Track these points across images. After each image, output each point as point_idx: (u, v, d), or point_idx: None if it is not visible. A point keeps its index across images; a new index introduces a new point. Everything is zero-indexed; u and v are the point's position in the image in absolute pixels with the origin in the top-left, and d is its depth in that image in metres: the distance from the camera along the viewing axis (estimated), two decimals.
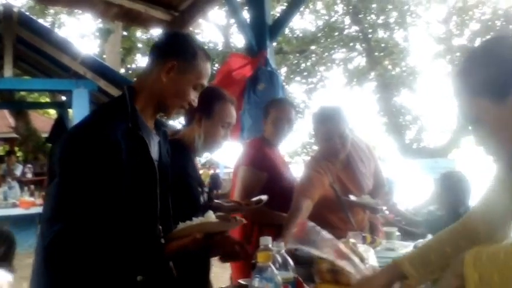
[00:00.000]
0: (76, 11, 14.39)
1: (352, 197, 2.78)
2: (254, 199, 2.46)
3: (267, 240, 1.82)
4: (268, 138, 3.25)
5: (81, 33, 16.84)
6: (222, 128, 2.36)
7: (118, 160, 1.61)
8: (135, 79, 2.81)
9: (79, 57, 7.92)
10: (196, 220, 1.82)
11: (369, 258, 1.88)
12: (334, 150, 2.86)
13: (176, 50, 1.83)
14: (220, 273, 4.29)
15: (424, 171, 12.90)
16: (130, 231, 1.65)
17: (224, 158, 14.36)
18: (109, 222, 1.58)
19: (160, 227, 1.79)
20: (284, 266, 1.81)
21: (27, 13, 10.35)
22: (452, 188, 3.36)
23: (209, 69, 1.91)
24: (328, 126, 2.83)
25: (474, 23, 16.53)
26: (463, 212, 3.18)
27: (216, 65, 13.16)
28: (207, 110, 2.32)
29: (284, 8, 7.49)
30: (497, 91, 1.28)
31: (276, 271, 1.63)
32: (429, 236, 2.26)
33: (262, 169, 3.10)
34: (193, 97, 1.86)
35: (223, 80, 4.20)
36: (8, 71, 7.89)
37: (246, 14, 4.69)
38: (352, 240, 1.96)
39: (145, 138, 1.73)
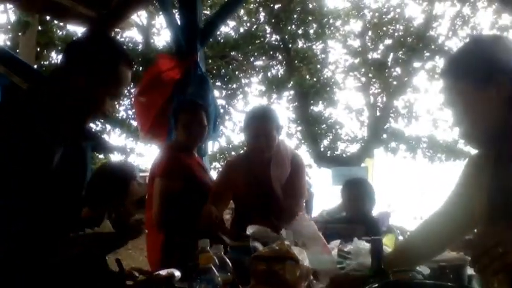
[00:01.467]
0: None
1: (250, 229, 2.57)
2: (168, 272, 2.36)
3: (205, 243, 1.83)
4: (182, 143, 3.22)
5: None
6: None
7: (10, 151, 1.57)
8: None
9: None
10: (89, 231, 1.80)
11: (304, 260, 1.93)
12: (259, 149, 2.95)
13: (94, 56, 1.75)
14: (136, 256, 4.26)
15: (338, 178, 13.35)
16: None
17: (140, 161, 14.20)
18: None
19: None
20: (223, 267, 1.83)
21: None
22: (354, 194, 3.45)
23: (129, 77, 1.83)
24: (257, 123, 2.93)
25: (388, 38, 17.35)
26: (368, 218, 3.31)
27: (136, 66, 12.85)
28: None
29: (213, 12, 7.49)
30: (480, 79, 1.56)
31: (216, 273, 1.65)
32: (355, 240, 2.35)
33: (177, 178, 3.09)
34: (108, 106, 1.78)
35: (152, 81, 4.15)
36: None
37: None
38: (287, 242, 2.01)
39: (45, 141, 1.67)
